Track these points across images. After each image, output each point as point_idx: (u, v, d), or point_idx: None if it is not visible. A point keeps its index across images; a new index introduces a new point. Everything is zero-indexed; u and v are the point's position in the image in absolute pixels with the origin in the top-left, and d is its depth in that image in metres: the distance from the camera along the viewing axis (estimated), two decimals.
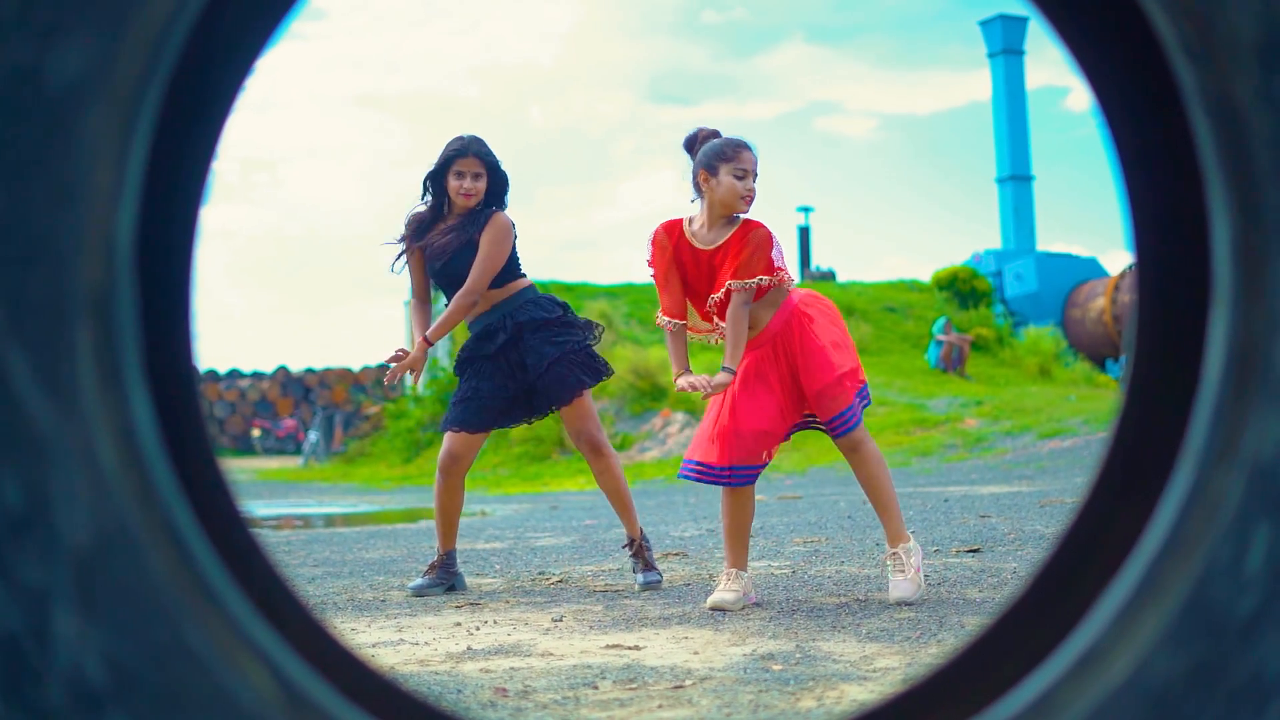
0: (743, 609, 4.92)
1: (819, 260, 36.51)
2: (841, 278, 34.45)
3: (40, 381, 1.16)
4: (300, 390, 40.44)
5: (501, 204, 6.10)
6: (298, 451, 34.21)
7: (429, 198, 6.16)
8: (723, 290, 5.04)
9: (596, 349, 6.10)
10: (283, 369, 41.05)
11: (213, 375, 40.47)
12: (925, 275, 32.54)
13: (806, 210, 37.98)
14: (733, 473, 5.06)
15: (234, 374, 41.06)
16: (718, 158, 5.09)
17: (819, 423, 5.17)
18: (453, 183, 6.01)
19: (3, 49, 1.14)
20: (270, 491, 20.23)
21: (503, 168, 6.12)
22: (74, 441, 1.17)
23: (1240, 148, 1.37)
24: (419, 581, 5.97)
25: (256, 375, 41.17)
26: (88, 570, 1.18)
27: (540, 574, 6.52)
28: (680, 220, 5.20)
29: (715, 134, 5.25)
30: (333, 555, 8.19)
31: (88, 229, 1.17)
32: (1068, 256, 32.48)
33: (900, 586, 4.97)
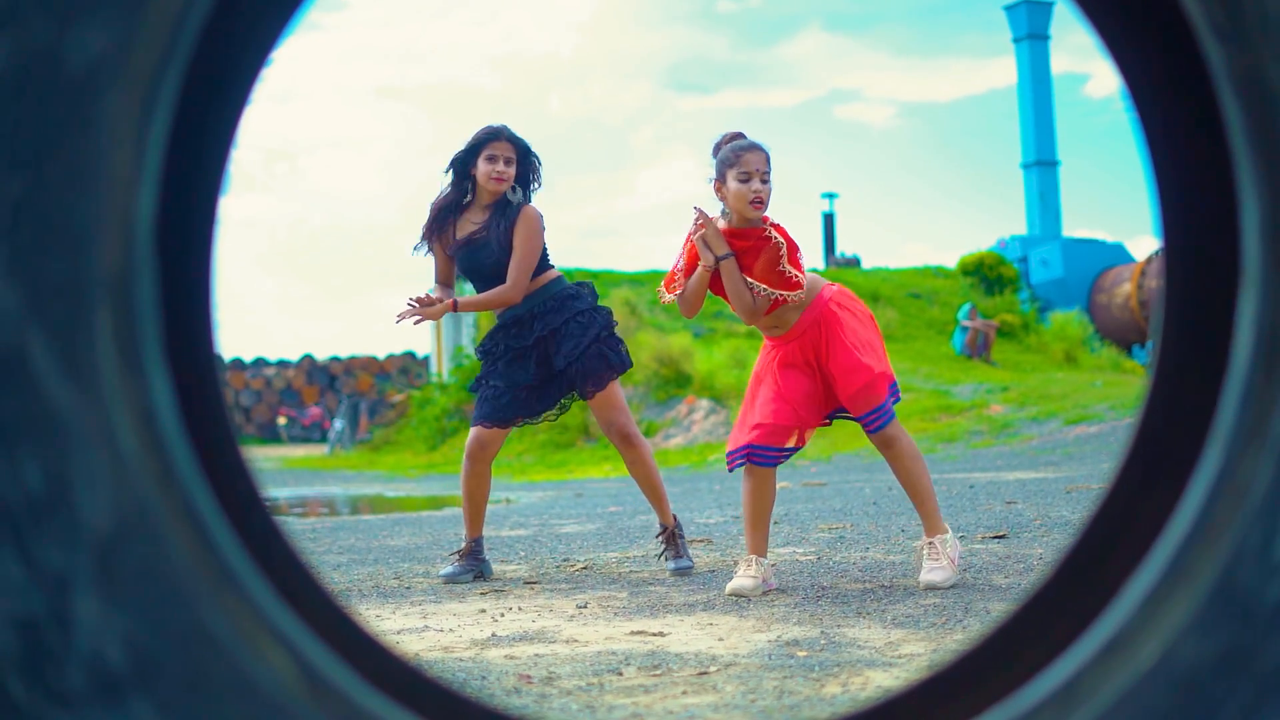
0: (764, 595, 4.92)
1: (843, 247, 36.44)
2: (866, 264, 34.37)
3: (60, 365, 1.16)
4: (326, 378, 40.56)
5: (529, 192, 6.07)
6: (323, 439, 34.31)
7: (452, 183, 6.10)
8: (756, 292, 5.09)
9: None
10: (308, 357, 41.17)
11: (239, 364, 40.61)
12: (950, 261, 32.45)
13: (831, 196, 37.91)
14: (751, 452, 5.07)
15: (260, 362, 41.18)
16: (724, 164, 5.16)
17: (853, 416, 5.20)
18: (484, 166, 5.95)
19: (23, 31, 1.14)
20: (296, 479, 20.28)
21: (534, 152, 6.10)
22: (94, 425, 1.17)
23: (1270, 127, 1.36)
24: (449, 569, 5.95)
25: (282, 364, 41.29)
26: (108, 554, 1.17)
27: (565, 561, 6.52)
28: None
29: (736, 137, 5.25)
30: (358, 542, 8.20)
31: (107, 212, 1.16)
32: (1094, 242, 32.35)
33: (934, 571, 4.98)
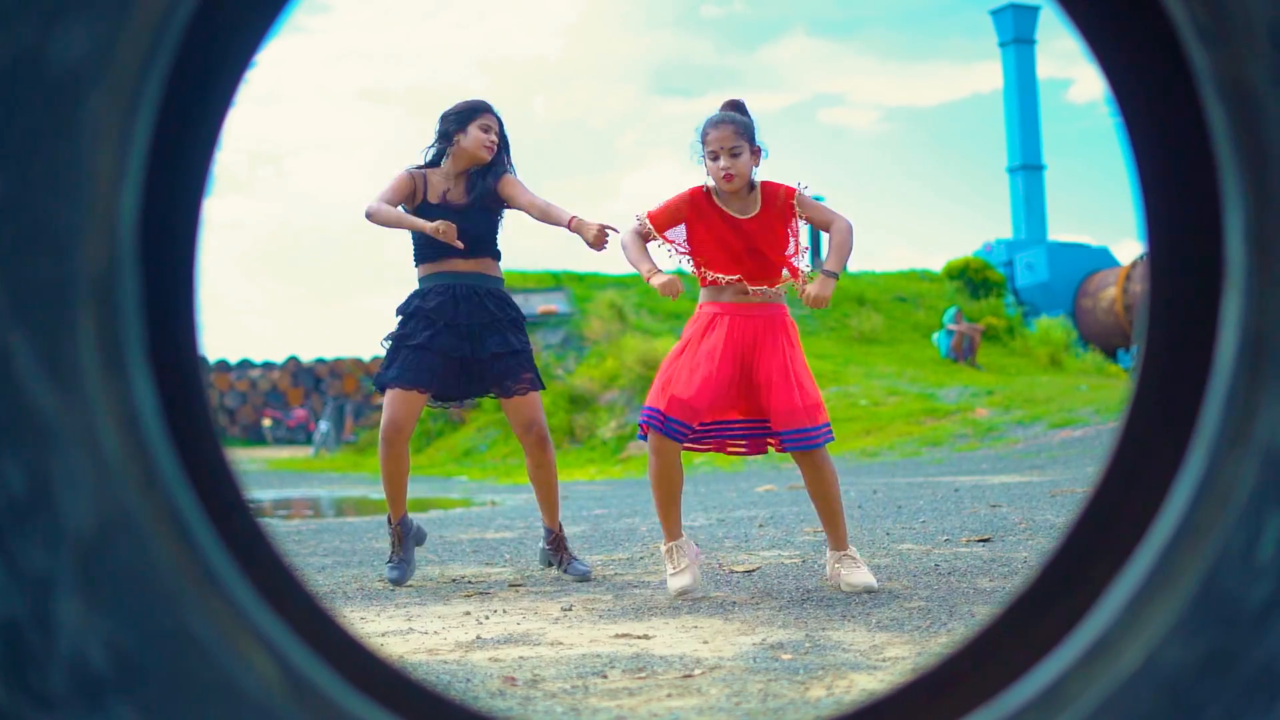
0: (752, 598, 4.92)
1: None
2: (852, 268, 34.37)
3: (43, 366, 1.15)
4: (311, 380, 40.50)
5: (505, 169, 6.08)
6: (308, 441, 34.27)
7: (436, 142, 6.09)
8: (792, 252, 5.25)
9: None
10: (293, 359, 41.10)
11: (224, 365, 40.54)
12: (935, 265, 32.51)
13: (817, 200, 37.93)
14: (667, 422, 5.05)
15: (245, 364, 41.10)
16: (699, 141, 5.20)
17: (771, 435, 5.20)
18: (478, 134, 5.96)
19: (5, 32, 1.14)
20: (281, 481, 20.25)
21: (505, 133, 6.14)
22: (77, 427, 1.16)
23: (1254, 131, 1.36)
24: (394, 573, 5.89)
25: (267, 365, 41.21)
26: (91, 556, 1.17)
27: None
28: (703, 189, 5.23)
29: (730, 106, 5.27)
30: (343, 544, 8.19)
31: (90, 213, 1.16)
32: (1079, 246, 32.44)
33: (864, 573, 5.03)
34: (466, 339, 5.87)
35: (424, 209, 5.97)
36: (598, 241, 5.65)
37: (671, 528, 5.15)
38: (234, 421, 39.69)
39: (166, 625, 1.19)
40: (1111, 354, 28.62)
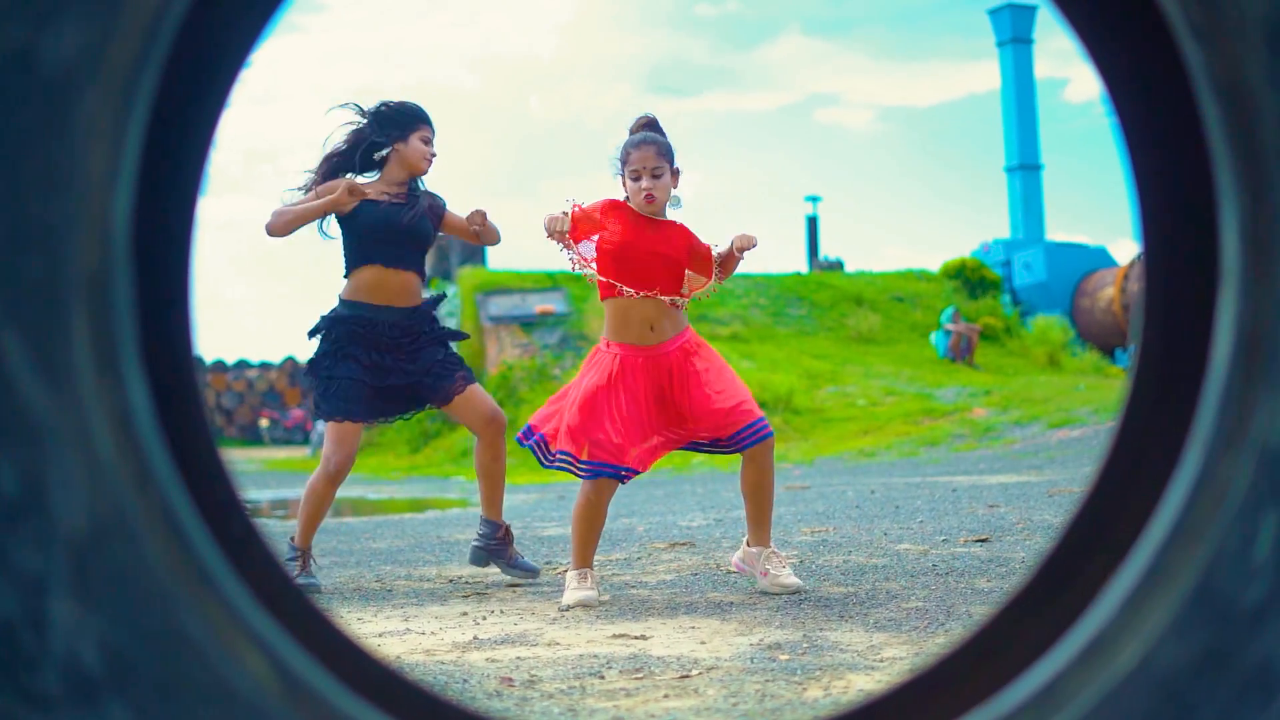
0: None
1: (826, 250, 36.45)
2: (849, 267, 34.40)
3: (36, 366, 1.15)
4: (308, 381, 40.44)
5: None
6: (305, 441, 34.23)
7: (365, 140, 5.90)
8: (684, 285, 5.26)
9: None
10: (290, 359, 41.11)
11: (220, 366, 40.56)
12: (932, 265, 32.51)
13: (814, 200, 37.93)
14: (599, 467, 5.05)
15: (242, 364, 41.12)
16: (619, 160, 5.24)
17: (713, 443, 5.22)
18: (419, 145, 5.86)
19: None
20: (278, 481, 20.24)
21: None
22: (70, 427, 1.16)
23: (1249, 129, 1.36)
24: (306, 580, 5.74)
25: (264, 366, 41.24)
26: (84, 557, 1.17)
27: (547, 564, 6.50)
28: (622, 202, 5.26)
29: (645, 125, 5.29)
30: (340, 545, 8.19)
31: (83, 213, 1.16)
32: (1077, 246, 32.44)
33: (791, 575, 5.09)
34: (395, 367, 5.78)
35: (364, 206, 5.78)
36: (476, 223, 5.82)
37: (586, 558, 5.17)
38: (231, 422, 39.70)
39: (160, 625, 1.19)
40: (1109, 353, 28.62)
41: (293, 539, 5.89)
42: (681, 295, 5.22)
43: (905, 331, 28.27)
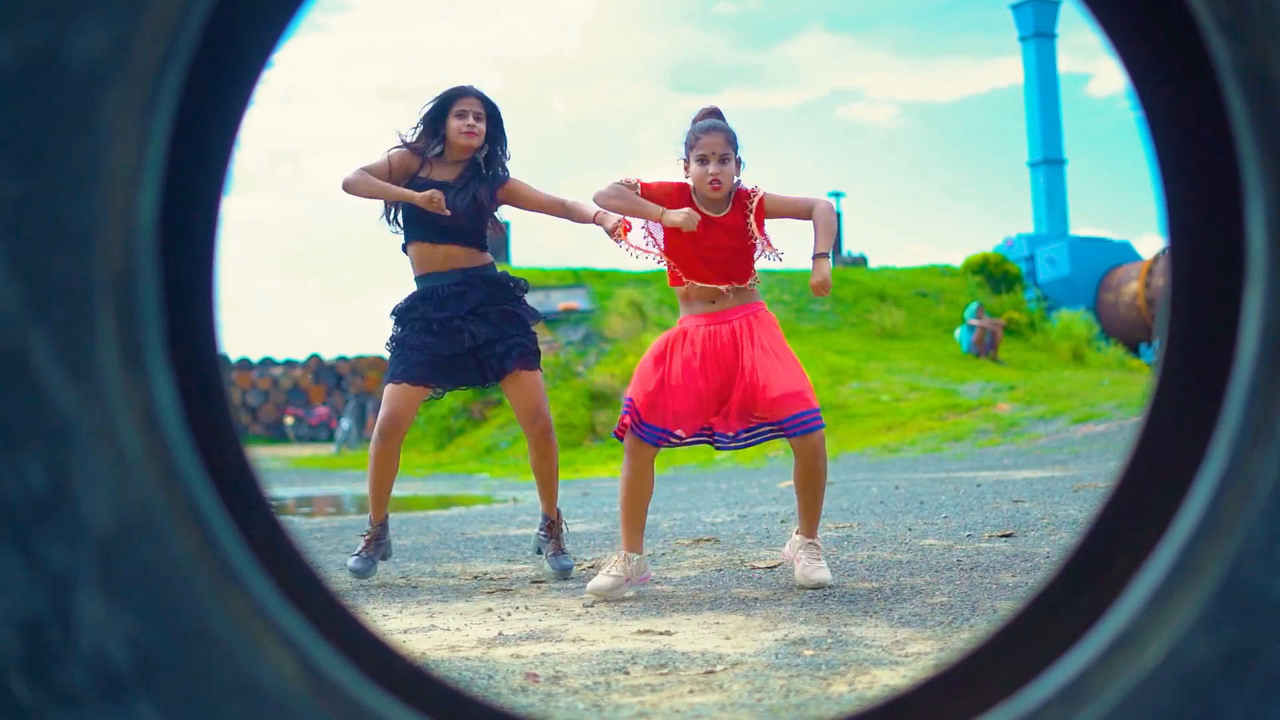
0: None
1: (850, 246, 36.38)
2: (873, 263, 34.35)
3: (62, 363, 1.15)
4: (333, 378, 40.56)
5: (501, 153, 6.03)
6: (330, 439, 34.29)
7: (422, 135, 5.99)
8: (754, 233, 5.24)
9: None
10: (315, 357, 41.16)
11: (245, 363, 40.62)
12: (956, 260, 32.45)
13: (838, 196, 37.86)
14: (642, 426, 5.12)
15: (267, 362, 41.17)
16: (686, 145, 5.27)
17: (767, 428, 5.22)
18: (454, 123, 5.88)
19: (23, 29, 1.14)
20: (303, 479, 20.28)
21: (502, 116, 6.05)
22: (97, 424, 1.16)
23: (1275, 122, 1.35)
24: (358, 563, 5.86)
25: (289, 363, 41.28)
26: (111, 553, 1.17)
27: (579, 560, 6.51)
28: (687, 185, 5.26)
29: (709, 114, 5.30)
30: None
31: (108, 210, 1.16)
32: (1101, 240, 32.31)
33: (824, 570, 5.07)
34: (454, 336, 5.83)
35: (413, 183, 5.89)
36: (616, 232, 5.64)
37: (632, 538, 5.20)
38: (256, 419, 39.78)
39: (186, 622, 1.19)
40: (1134, 348, 28.52)
41: (369, 520, 6.04)
42: (752, 281, 5.23)
43: (929, 327, 28.22)
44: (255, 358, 41.16)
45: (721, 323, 5.17)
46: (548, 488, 6.09)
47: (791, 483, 5.46)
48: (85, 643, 1.17)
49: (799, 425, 5.07)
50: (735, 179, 5.24)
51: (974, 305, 26.51)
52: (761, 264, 5.32)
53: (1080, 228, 37.09)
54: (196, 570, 1.20)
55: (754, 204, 5.22)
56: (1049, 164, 35.65)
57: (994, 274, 30.82)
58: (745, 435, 5.27)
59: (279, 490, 16.89)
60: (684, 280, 5.23)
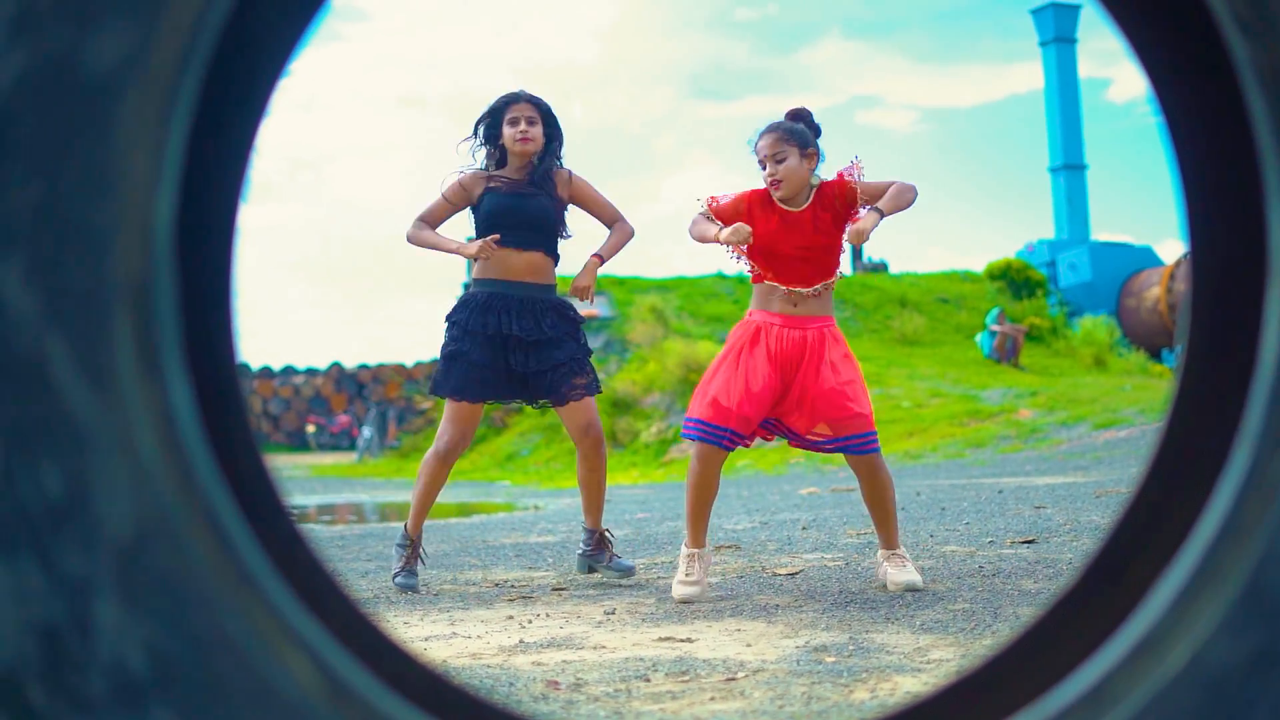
0: (795, 602, 4.92)
1: (870, 251, 36.34)
2: (894, 269, 34.30)
3: (79, 370, 1.15)
4: (354, 386, 40.66)
5: (558, 152, 6.07)
6: (352, 447, 34.38)
7: (485, 151, 6.06)
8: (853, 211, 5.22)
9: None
10: (336, 365, 41.28)
11: (267, 372, 40.75)
12: (977, 266, 32.41)
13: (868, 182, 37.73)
14: (711, 431, 5.14)
15: (288, 370, 41.29)
16: (754, 152, 5.25)
17: (825, 441, 5.23)
18: (508, 130, 5.93)
19: (40, 36, 1.14)
20: (324, 487, 20.32)
21: (555, 113, 6.08)
22: (114, 430, 1.16)
23: None
24: (408, 579, 5.87)
25: (310, 371, 41.40)
26: (129, 560, 1.17)
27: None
28: (765, 190, 5.27)
29: (795, 116, 5.30)
30: (386, 550, 8.20)
31: (126, 216, 1.16)
32: (1122, 246, 32.25)
33: (909, 572, 5.10)
34: (515, 352, 5.85)
35: (486, 194, 5.95)
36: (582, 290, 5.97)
37: (697, 534, 5.26)
38: (278, 427, 39.89)
39: (204, 628, 1.19)
40: (1156, 354, 28.44)
41: (406, 525, 6.04)
42: (832, 279, 5.26)
43: (950, 333, 28.18)
44: (277, 366, 41.29)
45: (796, 328, 5.18)
46: (595, 501, 6.10)
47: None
48: (103, 650, 1.17)
49: (858, 445, 5.13)
50: (813, 171, 5.25)
51: (995, 311, 26.45)
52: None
53: (1101, 233, 36.96)
54: (214, 577, 1.20)
55: (839, 197, 5.22)
56: (1070, 169, 35.58)
57: (1015, 279, 30.78)
58: (810, 439, 5.29)
59: (301, 498, 16.92)
60: (762, 278, 5.26)
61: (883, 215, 5.11)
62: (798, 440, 5.33)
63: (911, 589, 4.96)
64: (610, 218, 6.15)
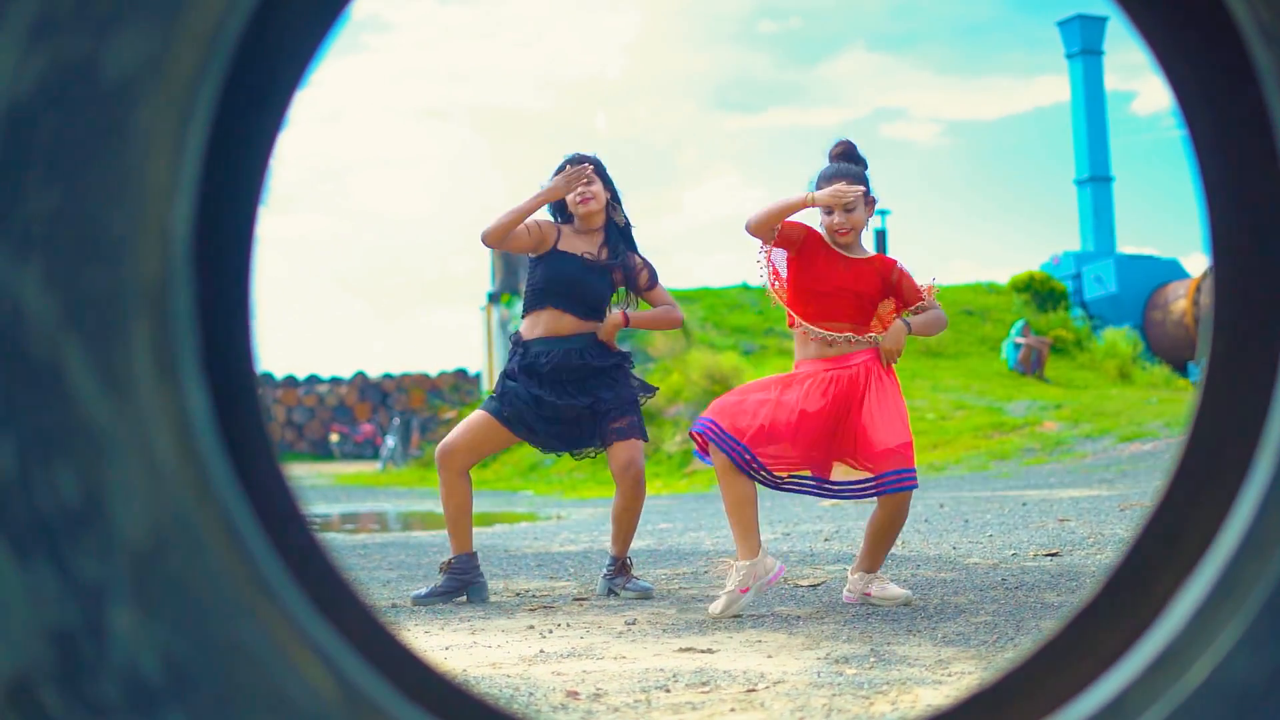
0: (816, 612, 4.90)
1: None
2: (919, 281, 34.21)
3: (97, 376, 1.15)
4: (378, 395, 40.77)
5: (620, 205, 6.17)
6: (375, 456, 34.44)
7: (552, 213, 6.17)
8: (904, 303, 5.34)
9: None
10: (360, 375, 41.40)
11: (292, 381, 40.88)
12: (1001, 278, 32.33)
13: (883, 214, 37.73)
14: (736, 448, 5.00)
15: (312, 379, 41.42)
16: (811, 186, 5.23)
17: (868, 482, 5.15)
18: (570, 197, 6.00)
19: (59, 42, 1.14)
20: (348, 496, 20.36)
21: (610, 177, 6.19)
22: (131, 436, 1.16)
23: None
24: (476, 592, 5.89)
25: (335, 381, 41.52)
26: (144, 566, 1.17)
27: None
28: (817, 233, 5.22)
29: (842, 154, 5.25)
30: (408, 559, 8.22)
31: (144, 222, 1.16)
32: (1148, 258, 32.13)
33: (893, 586, 5.11)
34: (566, 398, 5.91)
35: (551, 255, 6.02)
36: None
37: (748, 546, 5.06)
38: (302, 436, 40.01)
39: (219, 635, 1.19)
40: (1181, 367, 28.33)
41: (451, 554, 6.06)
42: (869, 331, 5.21)
43: (975, 345, 28.12)
44: (301, 375, 41.41)
45: (843, 368, 5.12)
46: (625, 535, 6.08)
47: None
48: (118, 655, 1.17)
49: (896, 482, 4.99)
50: (868, 218, 5.24)
51: (1020, 323, 26.39)
52: None
53: (1127, 245, 36.86)
54: (230, 583, 1.20)
55: (895, 277, 5.24)
56: (1096, 181, 35.46)
57: (1040, 292, 30.70)
58: (845, 486, 5.24)
59: (324, 507, 16.95)
60: (798, 323, 5.20)
61: (909, 332, 5.11)
62: (830, 491, 5.26)
63: (906, 603, 4.98)
64: (670, 306, 6.33)
